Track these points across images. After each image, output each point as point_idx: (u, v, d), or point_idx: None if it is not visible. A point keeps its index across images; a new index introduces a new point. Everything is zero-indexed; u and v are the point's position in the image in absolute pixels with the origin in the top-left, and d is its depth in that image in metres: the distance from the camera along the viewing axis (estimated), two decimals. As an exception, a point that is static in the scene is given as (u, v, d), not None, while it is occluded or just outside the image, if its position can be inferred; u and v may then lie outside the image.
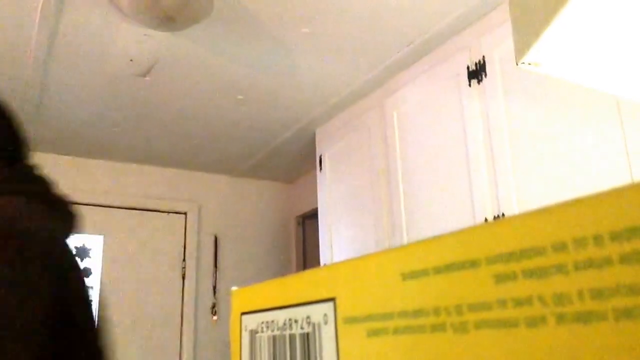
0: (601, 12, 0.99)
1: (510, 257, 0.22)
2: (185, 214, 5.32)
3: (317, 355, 0.29)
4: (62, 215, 1.13)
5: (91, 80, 3.57)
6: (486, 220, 2.80)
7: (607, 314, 0.19)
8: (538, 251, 0.21)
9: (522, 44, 1.06)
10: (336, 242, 4.02)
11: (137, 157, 5.03)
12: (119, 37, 3.10)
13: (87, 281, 0.96)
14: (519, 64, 1.07)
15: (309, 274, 0.31)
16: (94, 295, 4.78)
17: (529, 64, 1.07)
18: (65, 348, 0.96)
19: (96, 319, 1.07)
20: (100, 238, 4.92)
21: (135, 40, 3.13)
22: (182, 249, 5.22)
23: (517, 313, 0.21)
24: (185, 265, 5.18)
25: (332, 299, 0.28)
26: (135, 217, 5.11)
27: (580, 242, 0.20)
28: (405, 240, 3.36)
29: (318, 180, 4.35)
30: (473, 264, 0.23)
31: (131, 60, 3.34)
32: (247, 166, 5.37)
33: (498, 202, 2.76)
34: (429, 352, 0.24)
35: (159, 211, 5.20)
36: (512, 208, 2.69)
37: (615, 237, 0.19)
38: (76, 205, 1.20)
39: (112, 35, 3.09)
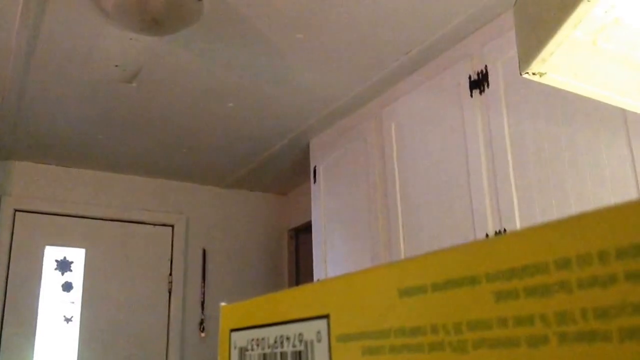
0: (608, 21, 1.00)
1: (511, 273, 0.22)
2: (172, 226, 5.31)
3: (310, 374, 0.29)
4: None
5: (73, 85, 3.56)
6: (487, 235, 2.81)
7: (611, 334, 0.19)
8: (540, 268, 0.21)
9: (526, 54, 1.06)
10: (330, 256, 4.02)
11: (122, 166, 5.02)
12: (103, 41, 3.10)
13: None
14: (522, 74, 1.07)
15: (301, 289, 0.31)
16: (76, 311, 4.76)
17: (533, 74, 1.07)
18: None
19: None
20: (83, 251, 4.91)
21: (120, 45, 3.13)
22: (169, 263, 5.21)
23: (518, 332, 0.21)
24: (172, 279, 5.16)
25: (326, 316, 0.28)
26: (119, 229, 5.10)
27: (584, 259, 0.20)
28: (402, 256, 3.36)
29: (312, 193, 4.35)
30: (473, 280, 0.23)
31: (116, 65, 3.33)
32: (237, 177, 5.36)
33: (500, 217, 2.76)
34: (426, 372, 0.24)
35: (144, 223, 5.19)
36: (514, 223, 2.69)
37: (620, 253, 0.19)
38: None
39: (96, 39, 3.09)
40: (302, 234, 5.61)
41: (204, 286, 5.30)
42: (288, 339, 0.30)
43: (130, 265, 5.05)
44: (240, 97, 3.77)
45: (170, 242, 5.28)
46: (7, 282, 4.56)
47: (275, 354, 0.31)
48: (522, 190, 2.67)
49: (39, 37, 3.06)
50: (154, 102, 3.82)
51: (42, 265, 4.72)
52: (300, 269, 5.67)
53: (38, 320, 4.61)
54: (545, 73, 1.08)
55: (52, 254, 4.80)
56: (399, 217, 3.41)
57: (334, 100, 3.84)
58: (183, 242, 5.30)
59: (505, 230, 2.73)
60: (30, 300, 4.61)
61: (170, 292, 5.15)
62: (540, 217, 2.56)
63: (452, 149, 3.10)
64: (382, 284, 0.26)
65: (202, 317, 5.23)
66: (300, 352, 0.29)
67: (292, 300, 0.31)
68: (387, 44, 3.18)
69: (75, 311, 4.77)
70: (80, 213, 4.93)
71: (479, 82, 2.99)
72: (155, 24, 2.72)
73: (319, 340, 0.28)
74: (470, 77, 3.04)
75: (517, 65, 1.09)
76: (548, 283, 0.21)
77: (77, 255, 4.88)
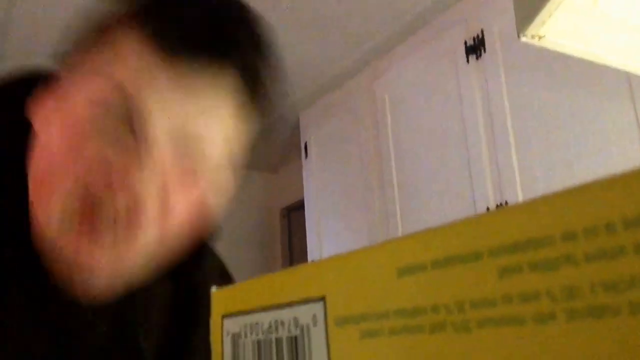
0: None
1: (515, 248, 0.22)
2: (158, 208, 5.30)
3: (307, 360, 0.29)
4: None
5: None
6: (488, 209, 2.81)
7: (621, 307, 0.19)
8: (545, 242, 0.21)
9: (524, 15, 1.06)
10: (325, 235, 4.02)
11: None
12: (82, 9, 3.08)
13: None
14: (521, 37, 1.07)
15: (295, 271, 0.31)
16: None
17: (532, 37, 1.07)
18: None
19: None
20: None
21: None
22: (156, 247, 5.21)
23: (523, 309, 0.21)
24: (159, 265, 5.16)
25: (322, 298, 0.28)
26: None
27: (591, 231, 0.20)
28: (399, 233, 3.36)
29: (304, 169, 4.35)
30: (475, 256, 0.23)
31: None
32: (225, 155, 5.34)
33: (500, 190, 2.77)
34: (428, 353, 0.24)
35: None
36: (516, 195, 2.69)
37: (628, 224, 0.19)
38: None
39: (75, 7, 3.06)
40: (295, 212, 5.60)
41: (193, 270, 5.29)
42: (282, 323, 0.30)
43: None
44: (225, 71, 3.76)
45: (157, 226, 5.27)
46: None
47: (270, 339, 0.31)
48: (524, 160, 2.67)
49: (15, 5, 3.04)
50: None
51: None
52: (293, 249, 5.67)
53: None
54: (544, 36, 1.07)
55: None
56: (395, 192, 3.41)
57: (323, 72, 3.83)
58: (170, 225, 5.30)
59: (507, 202, 2.74)
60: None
61: (158, 278, 5.15)
62: (543, 188, 2.56)
63: (449, 119, 3.09)
64: (379, 263, 0.26)
65: (193, 302, 5.23)
66: (295, 337, 0.29)
67: (285, 282, 0.31)
68: (378, 10, 3.17)
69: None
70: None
71: (475, 48, 2.98)
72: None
73: (315, 324, 0.28)
74: (466, 43, 3.03)
75: (515, 28, 1.08)
76: (554, 257, 0.21)
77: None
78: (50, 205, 0.67)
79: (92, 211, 0.66)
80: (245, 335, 0.32)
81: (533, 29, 1.05)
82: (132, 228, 0.67)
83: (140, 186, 0.66)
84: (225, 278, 1.10)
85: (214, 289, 0.36)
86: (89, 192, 0.66)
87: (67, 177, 0.66)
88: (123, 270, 0.71)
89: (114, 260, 0.69)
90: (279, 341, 0.30)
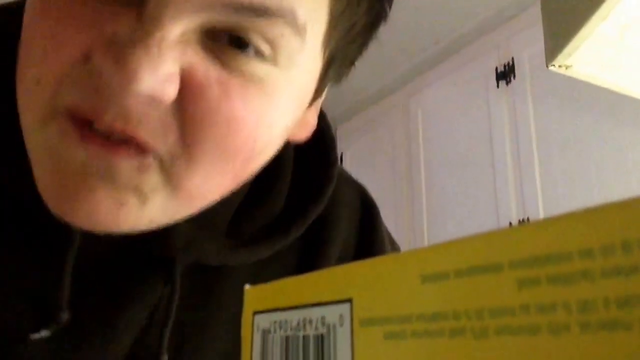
0: (636, 14, 0.99)
1: (534, 262, 0.22)
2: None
3: (332, 357, 0.29)
4: None
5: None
6: (510, 224, 2.80)
7: (633, 323, 0.19)
8: (563, 257, 0.21)
9: (554, 46, 1.05)
10: (355, 243, 4.01)
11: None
12: None
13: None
14: (549, 66, 1.07)
15: (325, 273, 0.31)
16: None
17: (560, 66, 1.06)
18: None
19: None
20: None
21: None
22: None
23: (539, 319, 0.21)
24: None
25: (349, 300, 0.28)
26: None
27: (607, 249, 0.20)
28: (426, 243, 3.36)
29: (338, 180, 4.35)
30: (496, 268, 0.23)
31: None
32: (265, 163, 5.37)
33: (523, 206, 2.75)
34: (447, 357, 0.24)
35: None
36: (538, 212, 2.68)
37: (644, 244, 0.19)
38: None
39: None
40: (327, 220, 5.60)
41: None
42: (310, 322, 0.30)
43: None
44: (269, 84, 3.78)
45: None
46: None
47: (298, 336, 0.31)
48: (546, 180, 2.66)
49: None
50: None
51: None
52: (325, 255, 5.67)
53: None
54: (572, 66, 1.07)
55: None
56: (424, 205, 3.41)
57: (362, 89, 3.83)
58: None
59: (528, 219, 2.72)
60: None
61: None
62: (564, 206, 2.55)
63: (477, 139, 3.09)
64: (405, 269, 0.26)
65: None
66: (322, 336, 0.29)
67: (315, 283, 0.31)
68: (416, 34, 3.17)
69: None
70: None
71: (506, 74, 2.97)
72: None
73: (341, 324, 0.28)
74: (497, 69, 3.03)
75: (544, 57, 1.08)
76: (571, 272, 0.21)
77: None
78: (27, 113, 0.43)
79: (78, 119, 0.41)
80: (275, 331, 0.32)
81: (561, 58, 1.05)
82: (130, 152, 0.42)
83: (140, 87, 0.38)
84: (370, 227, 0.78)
85: (247, 286, 0.36)
86: (72, 96, 0.40)
87: (43, 69, 0.41)
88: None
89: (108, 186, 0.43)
90: (306, 338, 0.30)
